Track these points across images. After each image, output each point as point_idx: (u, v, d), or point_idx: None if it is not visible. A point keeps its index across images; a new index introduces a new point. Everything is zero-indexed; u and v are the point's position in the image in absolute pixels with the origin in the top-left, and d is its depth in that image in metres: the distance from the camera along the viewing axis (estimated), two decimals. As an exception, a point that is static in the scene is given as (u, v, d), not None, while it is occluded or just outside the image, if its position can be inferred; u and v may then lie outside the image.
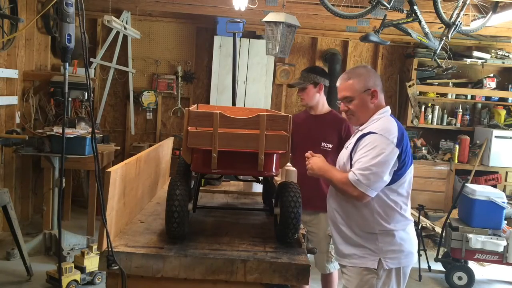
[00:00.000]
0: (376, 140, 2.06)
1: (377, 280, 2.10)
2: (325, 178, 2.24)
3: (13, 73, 4.80)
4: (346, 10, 4.10)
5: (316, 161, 2.25)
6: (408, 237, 2.17)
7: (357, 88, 2.19)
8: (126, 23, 6.03)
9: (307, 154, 2.33)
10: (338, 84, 2.27)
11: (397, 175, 2.10)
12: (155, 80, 6.50)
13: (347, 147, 2.27)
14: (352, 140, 2.24)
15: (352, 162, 2.12)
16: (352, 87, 2.20)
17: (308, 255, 1.93)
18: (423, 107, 6.54)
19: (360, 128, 2.23)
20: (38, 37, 5.38)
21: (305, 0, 4.99)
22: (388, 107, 2.25)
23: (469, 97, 6.51)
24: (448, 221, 4.67)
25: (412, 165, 2.21)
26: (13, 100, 4.84)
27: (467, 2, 4.13)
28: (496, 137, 6.15)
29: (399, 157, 2.07)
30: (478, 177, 6.26)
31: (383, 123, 2.14)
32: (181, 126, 6.53)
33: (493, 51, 6.40)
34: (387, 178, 2.05)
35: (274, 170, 1.93)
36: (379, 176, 2.02)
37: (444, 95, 6.50)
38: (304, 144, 2.91)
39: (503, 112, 6.49)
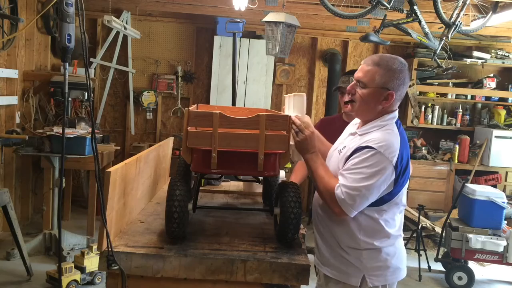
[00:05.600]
0: (374, 158, 1.81)
1: None
2: (311, 166, 1.93)
3: (13, 73, 4.80)
4: (346, 10, 4.11)
5: (312, 138, 1.92)
6: (395, 252, 1.97)
7: (376, 80, 1.88)
8: (126, 23, 6.03)
9: (298, 122, 1.92)
10: (363, 62, 1.96)
11: (389, 195, 1.89)
12: (155, 80, 6.50)
13: (341, 151, 2.00)
14: (348, 144, 1.99)
15: (340, 171, 1.89)
16: (373, 75, 1.89)
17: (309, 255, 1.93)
18: (423, 107, 6.54)
19: (359, 132, 1.97)
20: (38, 37, 5.38)
21: (305, 0, 4.99)
22: (396, 112, 1.97)
23: (469, 97, 6.52)
24: (448, 221, 4.67)
25: (408, 180, 1.97)
26: (13, 100, 4.84)
27: (467, 2, 4.14)
28: (496, 137, 6.15)
29: (395, 179, 1.85)
30: (478, 177, 6.26)
31: (385, 136, 1.86)
32: (181, 126, 6.53)
33: (493, 51, 6.40)
34: (373, 199, 1.85)
35: (274, 170, 1.93)
36: (366, 199, 1.82)
37: (444, 95, 6.51)
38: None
39: (503, 112, 6.50)
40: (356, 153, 1.86)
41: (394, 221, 1.97)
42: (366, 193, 1.81)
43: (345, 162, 1.90)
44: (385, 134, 1.87)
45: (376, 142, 1.83)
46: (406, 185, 1.97)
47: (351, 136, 2.04)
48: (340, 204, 1.82)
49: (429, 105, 6.60)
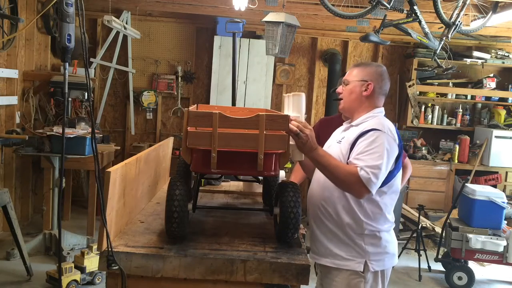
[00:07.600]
0: (381, 137, 2.00)
1: (365, 283, 2.05)
2: (323, 162, 1.97)
3: (13, 73, 4.81)
4: (346, 10, 4.11)
5: (313, 135, 1.95)
6: (391, 239, 2.16)
7: (355, 76, 2.20)
8: (126, 23, 6.03)
9: (295, 123, 1.90)
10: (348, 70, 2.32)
11: (389, 176, 2.05)
12: (155, 80, 6.50)
13: (340, 141, 2.16)
14: (346, 135, 2.15)
15: (353, 157, 2.01)
16: (352, 73, 2.22)
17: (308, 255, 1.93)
18: (423, 107, 6.54)
19: (354, 124, 2.16)
20: (38, 37, 5.38)
21: (305, 0, 4.99)
22: (382, 108, 2.22)
23: (469, 97, 6.52)
24: (448, 221, 4.67)
25: (401, 168, 2.16)
26: (13, 100, 4.84)
27: (467, 2, 4.13)
28: (496, 137, 6.15)
29: (396, 157, 2.05)
30: (478, 177, 6.26)
31: (382, 121, 2.09)
32: (181, 126, 6.53)
33: (493, 51, 6.40)
34: (384, 176, 2.01)
35: (273, 170, 1.93)
36: (383, 176, 1.98)
37: (444, 95, 6.51)
38: None
39: (503, 112, 6.50)
40: (362, 137, 2.03)
41: (391, 206, 2.15)
42: (383, 170, 1.97)
43: (350, 148, 2.06)
44: (381, 120, 2.11)
45: (378, 125, 2.05)
46: (400, 172, 2.17)
47: (345, 131, 2.23)
48: (366, 183, 1.93)
49: (429, 105, 6.60)
